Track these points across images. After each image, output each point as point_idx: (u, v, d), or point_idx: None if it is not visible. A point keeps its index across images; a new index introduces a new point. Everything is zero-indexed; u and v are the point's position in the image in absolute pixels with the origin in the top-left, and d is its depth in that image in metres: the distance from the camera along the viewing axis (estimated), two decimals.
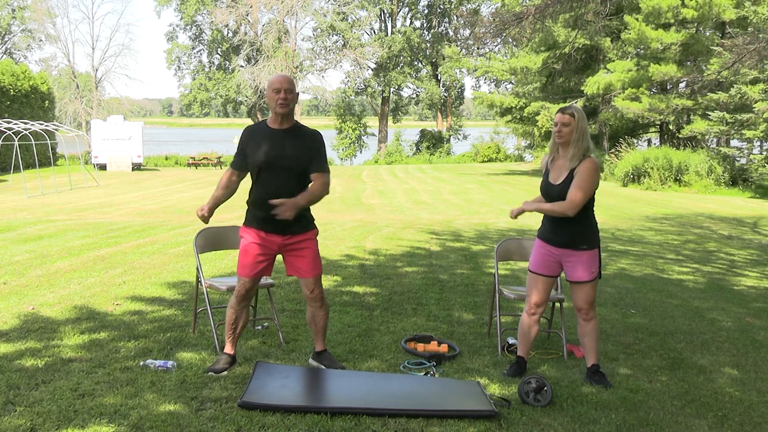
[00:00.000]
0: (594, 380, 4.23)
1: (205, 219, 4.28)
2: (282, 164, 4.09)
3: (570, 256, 4.22)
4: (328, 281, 7.00)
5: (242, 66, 46.50)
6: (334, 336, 5.05)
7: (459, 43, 42.32)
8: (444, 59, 44.68)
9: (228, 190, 4.33)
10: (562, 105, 26.85)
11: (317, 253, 4.32)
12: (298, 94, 4.24)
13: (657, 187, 22.32)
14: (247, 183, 4.27)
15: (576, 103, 26.03)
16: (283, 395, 3.84)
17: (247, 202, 4.26)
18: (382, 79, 47.97)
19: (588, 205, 4.18)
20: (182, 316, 5.52)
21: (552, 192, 4.20)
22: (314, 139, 4.21)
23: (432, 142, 47.88)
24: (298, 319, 5.49)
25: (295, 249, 4.24)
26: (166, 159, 38.72)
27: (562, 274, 4.40)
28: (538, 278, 4.31)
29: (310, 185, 4.19)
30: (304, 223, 4.26)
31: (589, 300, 4.25)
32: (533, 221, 13.19)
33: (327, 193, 4.23)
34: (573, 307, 4.36)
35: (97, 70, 53.55)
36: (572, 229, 4.19)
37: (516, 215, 4.30)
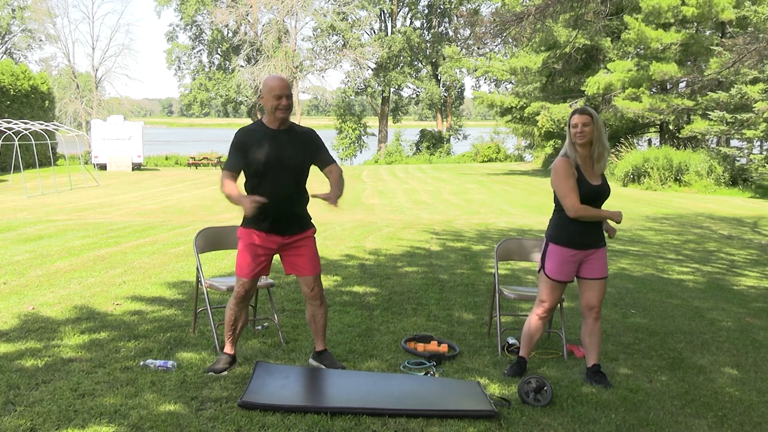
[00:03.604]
0: (594, 380, 4.23)
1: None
2: (285, 164, 4.10)
3: (592, 254, 4.23)
4: (328, 281, 7.00)
5: (242, 66, 46.51)
6: (334, 336, 5.05)
7: (459, 43, 42.36)
8: (444, 59, 44.68)
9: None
10: (562, 105, 26.86)
11: (316, 251, 4.33)
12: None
13: (657, 187, 22.32)
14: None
15: (576, 102, 26.05)
16: (283, 395, 3.84)
17: None
18: (382, 79, 47.97)
19: None
20: (182, 316, 5.52)
21: (604, 192, 4.20)
22: (311, 137, 4.26)
23: (432, 142, 47.88)
24: (298, 319, 5.49)
25: (295, 248, 4.24)
26: (166, 159, 38.75)
27: None
28: (560, 286, 4.28)
29: (330, 177, 4.22)
30: (302, 223, 4.27)
31: (603, 297, 4.29)
32: (533, 221, 13.20)
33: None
34: (581, 307, 4.33)
35: (97, 70, 53.60)
36: (597, 228, 4.24)
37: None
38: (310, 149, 4.21)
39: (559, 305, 5.07)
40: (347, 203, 17.00)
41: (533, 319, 4.37)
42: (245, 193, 4.15)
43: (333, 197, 4.07)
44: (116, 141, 31.96)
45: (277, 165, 4.08)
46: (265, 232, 4.17)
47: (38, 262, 7.79)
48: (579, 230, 4.17)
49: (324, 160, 4.26)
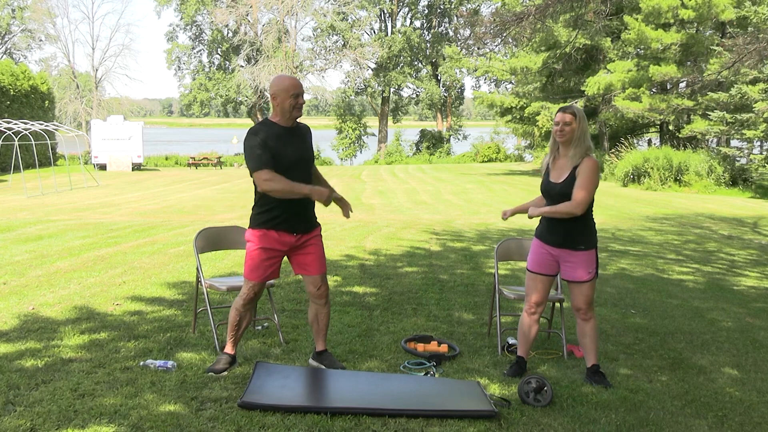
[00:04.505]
0: (594, 380, 4.23)
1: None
2: (301, 161, 4.19)
3: (568, 256, 4.22)
4: (328, 281, 6.98)
5: (242, 66, 46.49)
6: (334, 336, 5.05)
7: (459, 43, 42.31)
8: (444, 59, 44.70)
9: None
10: (562, 105, 26.89)
11: (323, 250, 4.41)
12: None
13: (657, 187, 22.31)
14: (247, 184, 4.26)
15: (576, 103, 26.04)
16: (283, 395, 3.84)
17: (259, 204, 4.18)
18: (382, 79, 47.96)
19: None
20: (182, 316, 5.52)
21: (554, 191, 4.21)
22: (310, 133, 4.38)
23: (432, 142, 47.88)
24: (298, 319, 5.49)
25: (304, 247, 4.28)
26: (166, 159, 38.76)
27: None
28: (537, 277, 4.32)
29: (320, 177, 4.50)
30: (312, 221, 4.35)
31: (588, 300, 4.25)
32: (534, 221, 13.16)
33: None
34: (572, 307, 4.36)
35: (97, 70, 53.58)
36: (570, 230, 4.20)
37: (509, 216, 4.51)
38: (311, 146, 4.37)
39: (558, 305, 5.09)
40: None
41: (523, 316, 4.40)
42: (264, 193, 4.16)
43: (347, 208, 4.41)
44: (116, 141, 31.96)
45: (295, 162, 4.14)
46: (278, 231, 4.15)
47: (38, 262, 7.79)
48: (544, 225, 4.31)
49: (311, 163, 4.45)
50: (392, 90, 49.74)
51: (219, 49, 48.55)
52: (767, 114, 20.05)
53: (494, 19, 15.89)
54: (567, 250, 4.21)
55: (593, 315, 4.31)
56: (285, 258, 4.33)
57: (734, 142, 24.48)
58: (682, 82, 25.53)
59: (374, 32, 49.80)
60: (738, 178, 22.18)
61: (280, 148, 4.08)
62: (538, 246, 4.34)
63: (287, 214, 4.14)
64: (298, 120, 4.29)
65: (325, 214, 14.72)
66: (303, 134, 4.28)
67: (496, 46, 24.27)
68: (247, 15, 45.91)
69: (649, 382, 4.35)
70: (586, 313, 4.27)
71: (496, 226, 12.51)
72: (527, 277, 4.39)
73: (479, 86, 50.65)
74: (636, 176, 23.26)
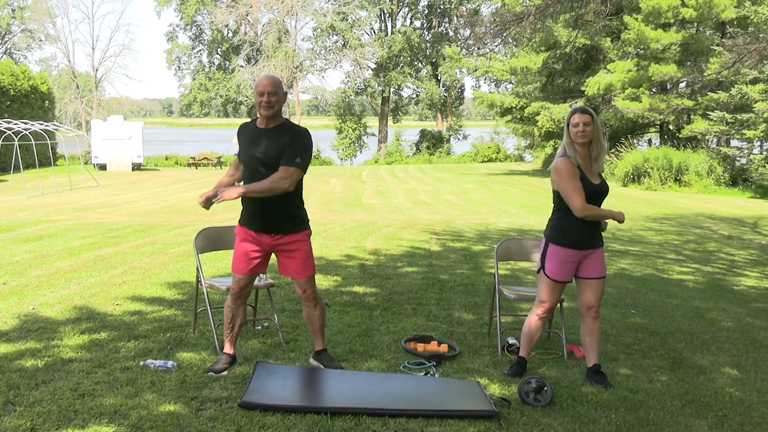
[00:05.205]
0: (594, 380, 4.23)
1: (209, 204, 4.13)
2: (265, 163, 4.06)
3: (592, 254, 4.25)
4: (328, 281, 7.00)
5: (242, 66, 46.52)
6: (334, 336, 5.05)
7: (459, 43, 42.33)
8: (444, 59, 44.71)
9: (233, 179, 4.40)
10: (562, 105, 26.82)
11: (310, 253, 4.30)
12: (286, 93, 4.26)
13: (657, 187, 22.32)
14: None
15: (576, 102, 26.05)
16: (283, 395, 3.84)
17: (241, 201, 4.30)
18: (382, 79, 47.98)
19: None
20: (182, 316, 5.52)
21: (603, 191, 4.22)
22: (294, 136, 4.09)
23: (432, 142, 47.89)
24: (298, 319, 5.49)
25: (287, 249, 4.24)
26: (166, 159, 38.75)
27: None
28: (560, 286, 4.28)
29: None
30: (294, 223, 4.24)
31: (601, 297, 4.29)
32: (534, 221, 13.20)
33: (282, 187, 3.98)
34: (580, 307, 4.34)
35: (97, 70, 53.58)
36: (598, 228, 4.27)
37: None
38: (284, 147, 4.06)
39: (559, 305, 5.08)
40: (347, 203, 16.99)
41: (533, 319, 4.37)
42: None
43: (226, 193, 3.97)
44: (116, 141, 31.96)
45: (255, 163, 4.09)
46: (255, 231, 4.19)
47: (38, 262, 7.79)
48: (581, 231, 4.18)
49: (282, 160, 4.01)
50: (392, 90, 49.77)
51: (219, 49, 48.58)
52: (767, 114, 20.05)
53: (494, 19, 15.90)
54: (593, 249, 4.25)
55: (599, 314, 4.33)
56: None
57: (734, 142, 24.49)
58: (682, 82, 25.52)
59: (374, 32, 49.82)
60: (738, 178, 22.18)
61: (242, 146, 4.23)
62: (562, 253, 4.21)
63: (248, 213, 4.21)
64: (291, 122, 4.27)
65: (325, 214, 14.71)
66: (281, 138, 4.06)
67: (496, 46, 24.27)
68: (247, 15, 45.92)
69: (649, 382, 4.36)
70: (597, 311, 4.29)
71: (496, 226, 12.51)
72: (547, 286, 4.27)
73: (479, 86, 50.72)
74: (636, 176, 23.26)
